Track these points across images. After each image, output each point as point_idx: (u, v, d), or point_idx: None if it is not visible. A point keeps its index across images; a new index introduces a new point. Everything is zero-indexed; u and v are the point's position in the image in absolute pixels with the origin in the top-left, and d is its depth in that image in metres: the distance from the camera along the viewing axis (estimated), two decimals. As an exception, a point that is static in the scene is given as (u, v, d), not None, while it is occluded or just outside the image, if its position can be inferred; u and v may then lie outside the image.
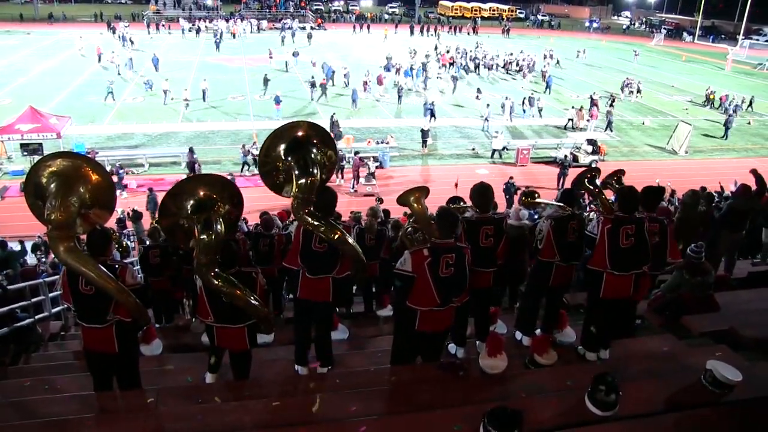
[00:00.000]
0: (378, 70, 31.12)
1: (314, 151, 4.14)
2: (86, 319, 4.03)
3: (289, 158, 4.10)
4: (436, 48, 41.20)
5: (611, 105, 26.15)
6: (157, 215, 4.19)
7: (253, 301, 4.02)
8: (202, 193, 3.96)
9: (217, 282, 3.86)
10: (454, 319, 4.29)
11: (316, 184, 4.10)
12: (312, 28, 51.79)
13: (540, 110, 27.03)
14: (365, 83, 28.79)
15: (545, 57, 38.11)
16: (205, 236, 3.84)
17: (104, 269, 3.76)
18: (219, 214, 3.96)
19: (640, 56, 44.06)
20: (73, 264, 3.65)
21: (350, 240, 4.23)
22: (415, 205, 4.62)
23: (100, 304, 3.92)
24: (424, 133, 21.68)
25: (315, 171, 4.09)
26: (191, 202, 3.94)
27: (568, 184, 17.22)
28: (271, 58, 35.21)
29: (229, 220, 4.09)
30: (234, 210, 4.14)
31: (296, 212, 4.13)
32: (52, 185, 3.60)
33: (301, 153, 4.11)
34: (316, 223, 4.08)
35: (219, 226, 3.89)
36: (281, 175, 4.17)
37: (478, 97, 28.47)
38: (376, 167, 18.72)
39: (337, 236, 4.10)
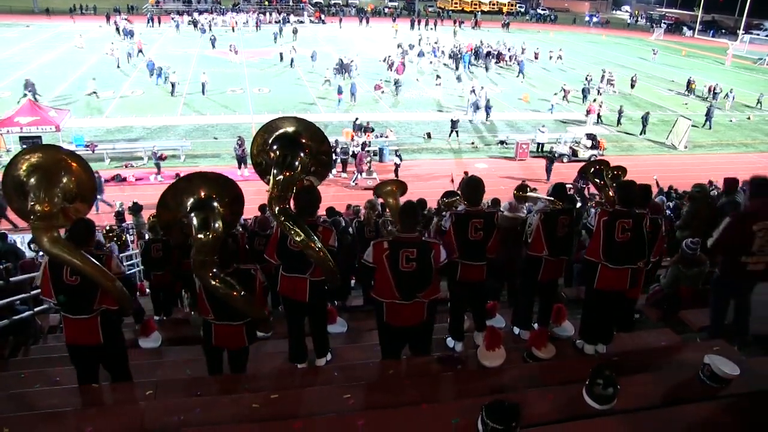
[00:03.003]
0: (380, 64, 30.93)
1: (297, 148, 4.12)
2: (72, 310, 3.97)
3: (272, 152, 4.10)
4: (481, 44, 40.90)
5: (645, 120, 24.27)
6: (155, 211, 4.15)
7: (250, 303, 3.98)
8: (201, 193, 3.90)
9: (214, 282, 3.80)
10: (426, 315, 4.20)
11: (294, 180, 4.07)
12: (312, 21, 51.55)
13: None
14: (348, 64, 28.86)
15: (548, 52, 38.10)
16: (202, 236, 3.76)
17: (90, 257, 3.76)
18: (217, 214, 3.87)
19: (653, 54, 43.48)
20: (58, 254, 3.64)
21: (317, 245, 4.08)
22: (389, 198, 4.61)
23: (86, 294, 3.90)
24: (454, 124, 21.96)
25: (296, 166, 4.06)
26: (191, 200, 3.88)
27: (554, 176, 17.48)
28: (236, 54, 35.10)
29: (228, 220, 4.02)
30: (232, 212, 4.07)
31: (269, 207, 4.12)
32: (33, 178, 3.57)
33: (283, 148, 4.09)
34: (282, 219, 4.05)
35: (217, 226, 3.81)
36: (266, 167, 4.19)
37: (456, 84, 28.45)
38: (377, 161, 18.64)
39: (300, 238, 4.02)
